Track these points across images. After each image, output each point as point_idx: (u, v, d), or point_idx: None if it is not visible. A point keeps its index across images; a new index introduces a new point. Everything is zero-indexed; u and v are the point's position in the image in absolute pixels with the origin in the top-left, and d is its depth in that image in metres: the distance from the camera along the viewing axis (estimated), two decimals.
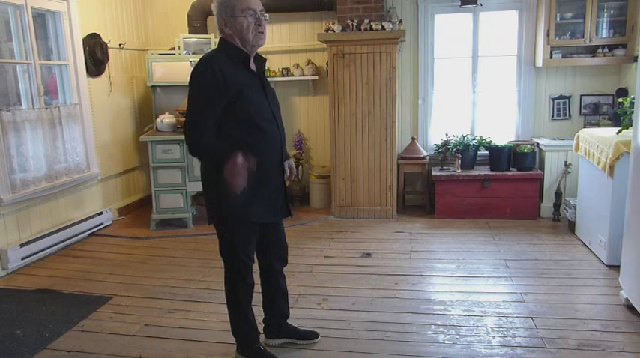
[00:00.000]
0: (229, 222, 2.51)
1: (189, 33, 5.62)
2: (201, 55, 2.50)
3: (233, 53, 2.42)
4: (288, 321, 2.92)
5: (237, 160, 2.23)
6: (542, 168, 5.21)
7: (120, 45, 5.49)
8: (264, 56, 2.59)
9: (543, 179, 5.13)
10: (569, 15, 5.01)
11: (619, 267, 3.41)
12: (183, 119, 5.55)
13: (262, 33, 2.43)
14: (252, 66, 2.50)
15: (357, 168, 5.27)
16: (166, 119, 5.20)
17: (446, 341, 2.89)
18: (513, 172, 5.16)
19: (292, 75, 5.74)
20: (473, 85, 5.56)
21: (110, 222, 5.28)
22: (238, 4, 2.38)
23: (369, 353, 2.80)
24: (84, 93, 4.93)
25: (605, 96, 5.30)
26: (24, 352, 2.87)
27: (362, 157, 5.24)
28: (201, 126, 2.34)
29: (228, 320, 2.69)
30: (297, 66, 5.72)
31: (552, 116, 5.46)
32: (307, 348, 2.85)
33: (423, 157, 5.44)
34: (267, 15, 2.46)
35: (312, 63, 5.70)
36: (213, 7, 2.44)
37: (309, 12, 5.65)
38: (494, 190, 5.16)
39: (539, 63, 5.13)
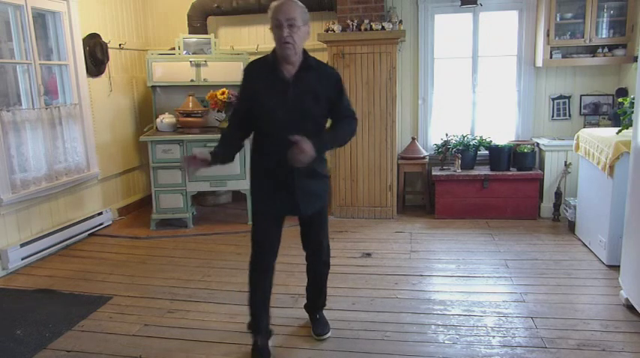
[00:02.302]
0: (252, 212, 2.84)
1: (189, 33, 5.62)
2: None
3: (269, 57, 2.64)
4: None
5: (193, 152, 2.74)
6: (542, 168, 5.21)
7: (120, 45, 5.49)
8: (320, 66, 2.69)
9: (543, 179, 5.13)
10: (569, 15, 5.01)
11: (619, 267, 3.41)
12: (184, 119, 5.58)
13: (287, 43, 2.50)
14: (288, 72, 2.59)
15: (357, 168, 5.27)
16: (166, 119, 5.20)
17: (446, 341, 2.89)
18: (513, 172, 5.16)
19: None
20: (473, 85, 5.56)
21: (110, 222, 5.28)
22: (270, 16, 2.53)
23: (369, 353, 2.80)
24: (84, 93, 4.93)
25: (605, 96, 5.30)
26: (24, 352, 2.87)
27: (362, 157, 5.24)
28: (230, 119, 2.84)
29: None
30: None
31: (552, 116, 5.46)
32: (307, 348, 2.86)
33: (423, 157, 5.44)
34: (295, 23, 2.50)
35: None
36: None
37: (309, 12, 5.62)
38: (494, 190, 5.16)
39: (539, 63, 5.13)
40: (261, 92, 2.60)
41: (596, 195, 4.07)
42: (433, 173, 5.28)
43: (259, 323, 2.81)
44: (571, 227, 4.72)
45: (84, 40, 4.95)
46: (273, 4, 2.53)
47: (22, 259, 4.15)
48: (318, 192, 2.77)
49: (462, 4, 5.12)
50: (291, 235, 4.87)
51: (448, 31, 5.56)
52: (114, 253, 4.54)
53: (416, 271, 3.90)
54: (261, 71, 2.64)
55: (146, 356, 2.83)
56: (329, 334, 3.01)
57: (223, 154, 2.69)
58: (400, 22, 5.15)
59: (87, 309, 3.39)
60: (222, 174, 5.07)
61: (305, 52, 2.66)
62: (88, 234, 4.94)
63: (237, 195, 5.85)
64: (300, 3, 2.58)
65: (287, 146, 2.47)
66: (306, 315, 3.23)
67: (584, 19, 4.90)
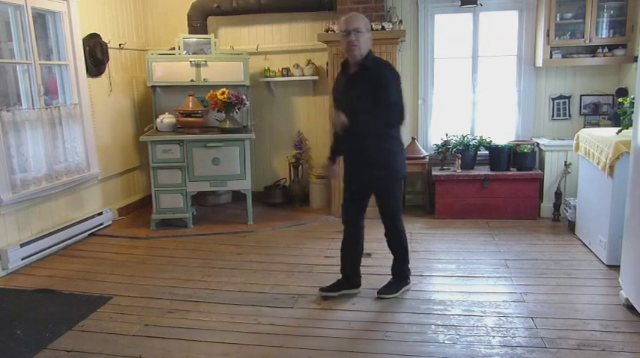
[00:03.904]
0: None
1: (189, 33, 5.62)
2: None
3: (344, 62, 3.34)
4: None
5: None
6: (542, 168, 5.21)
7: (120, 45, 5.49)
8: (371, 67, 3.18)
9: (543, 179, 5.13)
10: (569, 15, 5.01)
11: (619, 267, 3.41)
12: (184, 119, 5.62)
13: (354, 46, 3.12)
14: (351, 72, 3.24)
15: None
16: (166, 119, 5.20)
17: (446, 341, 2.89)
18: (513, 172, 5.16)
19: (292, 75, 5.74)
20: (473, 85, 5.56)
21: (110, 222, 5.28)
22: (340, 28, 3.22)
23: (369, 353, 2.80)
24: (84, 93, 4.92)
25: (605, 96, 5.30)
26: (24, 352, 2.87)
27: None
28: None
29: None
30: (297, 66, 5.72)
31: (552, 116, 5.46)
32: (307, 348, 2.86)
33: (423, 157, 5.43)
34: (360, 30, 3.11)
35: (312, 63, 5.70)
36: None
37: (309, 12, 5.65)
38: (494, 190, 5.16)
39: (539, 63, 5.13)
40: (336, 87, 3.44)
41: (596, 195, 4.07)
42: (433, 173, 5.28)
43: (343, 274, 3.63)
44: (571, 227, 4.72)
45: (84, 40, 4.94)
46: (342, 18, 3.25)
47: (22, 259, 4.15)
48: (367, 172, 3.32)
49: (462, 4, 5.12)
50: (290, 235, 4.90)
51: (448, 31, 5.56)
52: (114, 253, 4.54)
53: (416, 271, 3.89)
54: (341, 70, 3.39)
55: (146, 356, 2.83)
56: (389, 296, 3.42)
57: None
58: (400, 22, 5.15)
59: (87, 309, 3.38)
60: (222, 174, 5.07)
61: (368, 54, 3.21)
62: (88, 234, 4.94)
63: (237, 195, 5.85)
64: (362, 15, 3.26)
65: (349, 132, 3.15)
66: (306, 315, 3.25)
67: (584, 19, 4.91)
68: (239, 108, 5.14)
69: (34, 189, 4.27)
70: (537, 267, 3.94)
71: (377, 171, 3.31)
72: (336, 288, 3.54)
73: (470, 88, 5.58)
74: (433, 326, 3.06)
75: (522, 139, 5.49)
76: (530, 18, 5.27)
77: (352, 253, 3.58)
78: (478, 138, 5.42)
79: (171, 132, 5.16)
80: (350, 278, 3.56)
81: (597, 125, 5.23)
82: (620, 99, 4.31)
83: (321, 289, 3.55)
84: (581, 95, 5.37)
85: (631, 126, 3.45)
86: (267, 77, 5.77)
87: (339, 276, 3.62)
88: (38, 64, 4.39)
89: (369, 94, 3.13)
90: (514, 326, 3.04)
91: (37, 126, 4.33)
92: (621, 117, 3.90)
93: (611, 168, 3.68)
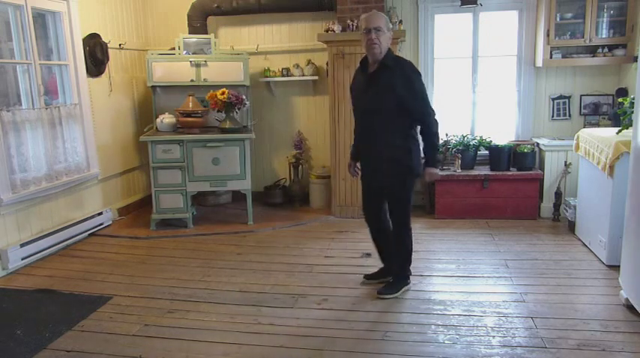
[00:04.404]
0: None
1: (189, 33, 5.62)
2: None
3: (362, 60, 3.37)
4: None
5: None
6: (542, 168, 5.21)
7: (120, 45, 5.49)
8: (390, 66, 3.22)
9: (543, 179, 5.13)
10: (569, 15, 5.01)
11: (619, 266, 3.41)
12: (184, 119, 5.64)
13: (374, 44, 3.16)
14: (371, 70, 3.28)
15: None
16: (166, 119, 5.20)
17: (446, 341, 2.89)
18: (513, 172, 5.16)
19: (292, 75, 5.74)
20: (473, 85, 5.56)
21: (110, 222, 5.28)
22: (360, 25, 3.25)
23: (369, 353, 2.80)
24: (84, 93, 4.92)
25: (605, 96, 5.30)
26: (24, 352, 2.87)
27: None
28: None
29: None
30: (297, 66, 5.72)
31: (552, 116, 5.46)
32: (308, 348, 2.86)
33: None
34: (381, 29, 3.15)
35: (312, 63, 5.70)
36: None
37: (309, 12, 5.65)
38: (494, 190, 5.16)
39: (539, 63, 5.13)
40: (354, 85, 3.47)
41: (596, 195, 4.07)
42: None
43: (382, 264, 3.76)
44: (571, 227, 4.72)
45: (84, 40, 4.94)
46: (363, 16, 3.26)
47: (22, 259, 4.14)
48: (384, 168, 3.35)
49: (462, 4, 5.12)
50: (290, 235, 4.90)
51: (448, 31, 5.56)
52: (114, 253, 4.54)
53: (416, 271, 3.89)
54: (359, 68, 3.39)
55: (146, 356, 2.83)
56: (390, 296, 3.43)
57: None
58: (400, 22, 5.15)
59: (87, 309, 3.38)
60: (222, 174, 5.07)
61: (388, 53, 3.24)
62: (88, 234, 4.94)
63: (237, 195, 5.85)
64: (382, 13, 3.28)
65: (372, 130, 3.30)
66: (305, 315, 3.24)
67: (584, 19, 4.91)
68: (239, 108, 5.14)
69: (34, 189, 4.26)
70: (537, 266, 3.94)
71: (394, 168, 3.33)
72: (379, 276, 3.69)
73: (470, 87, 5.57)
74: (433, 326, 3.06)
75: (522, 139, 5.49)
76: (530, 18, 5.27)
77: (383, 247, 3.66)
78: (478, 138, 5.42)
79: (171, 132, 5.16)
80: (389, 267, 3.65)
81: (597, 125, 5.23)
82: (620, 99, 4.31)
83: (365, 276, 3.73)
84: (581, 95, 5.36)
85: (631, 126, 3.45)
86: (267, 77, 5.77)
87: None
88: (38, 64, 4.39)
89: (388, 93, 3.19)
90: (514, 326, 3.04)
91: (37, 126, 4.33)
92: (621, 117, 3.90)
93: (611, 168, 3.69)
